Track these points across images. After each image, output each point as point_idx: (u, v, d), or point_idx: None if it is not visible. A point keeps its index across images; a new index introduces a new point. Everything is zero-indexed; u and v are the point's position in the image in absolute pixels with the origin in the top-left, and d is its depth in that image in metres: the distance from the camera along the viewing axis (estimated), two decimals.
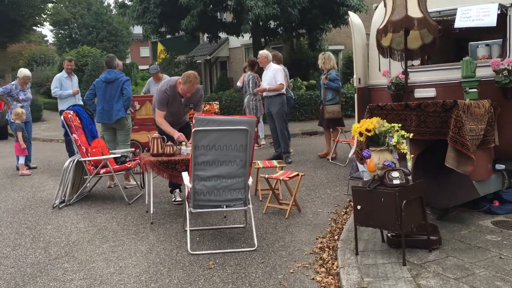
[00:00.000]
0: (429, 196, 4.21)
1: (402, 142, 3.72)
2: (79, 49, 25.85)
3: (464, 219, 4.63)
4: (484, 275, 3.40)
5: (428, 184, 4.14)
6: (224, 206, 4.52)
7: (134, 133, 8.92)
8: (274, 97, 8.23)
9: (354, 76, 5.96)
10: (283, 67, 9.00)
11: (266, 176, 5.52)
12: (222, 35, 18.64)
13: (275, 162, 6.27)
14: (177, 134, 5.42)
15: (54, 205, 5.95)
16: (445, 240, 4.09)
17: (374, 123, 3.77)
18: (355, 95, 6.08)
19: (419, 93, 5.34)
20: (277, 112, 8.25)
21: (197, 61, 25.60)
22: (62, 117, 6.10)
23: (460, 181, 4.37)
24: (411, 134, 3.72)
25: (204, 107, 7.42)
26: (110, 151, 6.35)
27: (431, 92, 5.23)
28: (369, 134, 3.78)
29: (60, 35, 41.96)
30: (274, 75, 8.13)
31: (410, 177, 3.79)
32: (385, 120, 3.83)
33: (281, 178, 5.41)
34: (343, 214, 5.36)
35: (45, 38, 47.92)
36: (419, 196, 3.79)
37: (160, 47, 26.23)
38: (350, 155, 7.23)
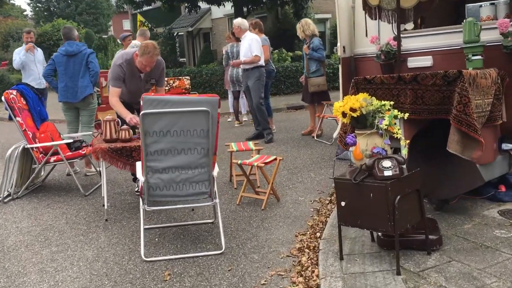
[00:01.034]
0: (426, 186, 3.53)
1: (395, 124, 3.01)
2: (54, 22, 24.71)
3: (466, 209, 3.97)
4: (497, 287, 2.75)
5: (425, 171, 3.46)
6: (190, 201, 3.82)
7: (101, 112, 8.16)
8: (250, 70, 7.45)
9: (338, 44, 5.19)
10: (264, 37, 8.21)
11: (239, 161, 4.81)
12: (203, 4, 17.64)
13: (251, 144, 5.54)
14: (129, 116, 4.64)
15: None
16: (446, 237, 3.44)
17: (360, 101, 3.04)
18: (340, 67, 5.33)
19: (413, 62, 4.62)
20: (252, 86, 7.48)
21: (179, 33, 24.53)
22: (3, 98, 5.29)
23: (463, 166, 3.69)
24: (406, 114, 3.00)
25: (173, 82, 6.64)
26: (61, 136, 5.58)
27: (427, 61, 4.50)
28: (354, 115, 3.06)
29: (37, 8, 40.42)
30: (250, 45, 7.33)
31: (404, 166, 3.10)
32: (373, 97, 3.09)
33: (255, 164, 4.71)
34: (327, 203, 4.69)
35: (24, 13, 46.27)
36: (415, 189, 3.11)
37: (139, 18, 25.08)
38: (335, 135, 6.52)
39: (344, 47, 5.23)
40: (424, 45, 4.57)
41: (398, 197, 2.93)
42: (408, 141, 2.98)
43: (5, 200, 5.18)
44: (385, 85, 3.51)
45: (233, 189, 5.35)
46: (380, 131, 3.02)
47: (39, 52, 8.34)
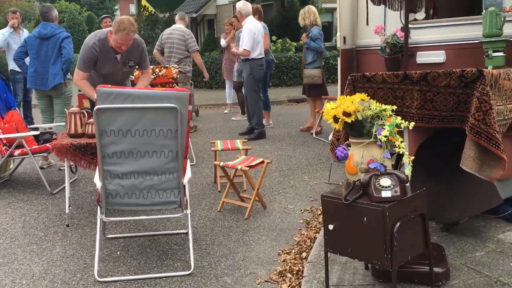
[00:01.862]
0: (432, 208, 2.97)
1: (397, 133, 2.44)
2: (56, 4, 24.18)
3: (478, 231, 3.41)
4: None
5: (431, 188, 2.90)
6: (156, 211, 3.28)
7: (87, 100, 7.62)
8: (244, 62, 6.91)
9: (338, 33, 4.60)
10: (263, 24, 7.62)
11: (222, 163, 4.27)
12: None
13: (238, 143, 4.99)
14: None
15: None
16: (454, 268, 2.88)
17: (355, 104, 2.47)
18: (339, 59, 4.74)
19: (423, 57, 4.04)
20: (245, 79, 6.93)
21: None
22: None
23: (476, 181, 3.12)
24: (412, 123, 2.42)
25: (160, 71, 6.08)
26: (28, 127, 5.06)
27: (439, 56, 3.93)
28: (348, 120, 2.49)
29: None
30: (243, 36, 6.77)
31: (408, 185, 2.54)
32: (371, 99, 2.51)
33: (239, 167, 4.16)
34: (319, 214, 4.15)
35: None
36: (420, 213, 2.54)
37: (143, 3, 24.45)
38: (330, 137, 5.95)
39: (344, 38, 4.63)
40: (436, 38, 3.99)
41: (398, 223, 2.37)
42: (412, 158, 2.40)
43: None
44: (387, 84, 2.93)
45: (216, 192, 4.82)
46: (379, 142, 2.45)
47: (25, 33, 7.80)
